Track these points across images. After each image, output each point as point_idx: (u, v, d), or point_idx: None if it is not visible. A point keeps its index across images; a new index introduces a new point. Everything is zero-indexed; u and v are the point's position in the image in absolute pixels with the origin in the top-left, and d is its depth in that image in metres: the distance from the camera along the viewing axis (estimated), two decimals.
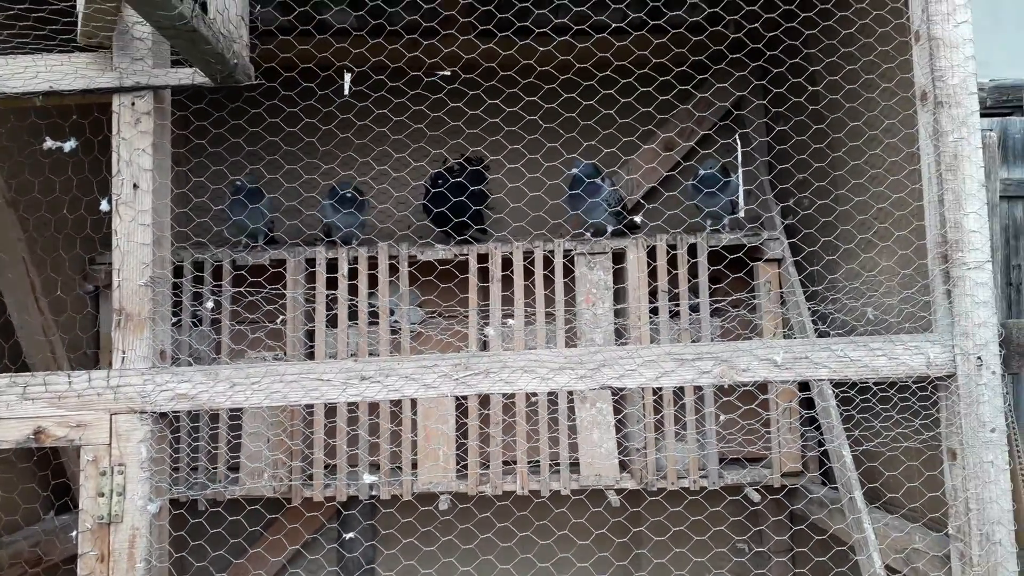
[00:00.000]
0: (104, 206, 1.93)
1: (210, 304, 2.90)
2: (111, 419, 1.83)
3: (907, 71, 2.05)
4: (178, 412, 1.90)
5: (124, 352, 1.86)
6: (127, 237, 1.88)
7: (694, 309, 2.97)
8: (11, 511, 2.52)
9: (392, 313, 3.09)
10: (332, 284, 3.07)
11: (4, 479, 2.52)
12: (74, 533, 1.80)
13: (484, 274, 3.07)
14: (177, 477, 2.88)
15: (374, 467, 2.97)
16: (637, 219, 3.08)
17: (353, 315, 3.03)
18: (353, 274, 3.03)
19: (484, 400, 3.01)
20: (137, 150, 1.90)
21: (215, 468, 2.97)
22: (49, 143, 2.19)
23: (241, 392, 1.85)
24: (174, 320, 2.24)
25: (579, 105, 3.05)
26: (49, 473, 2.74)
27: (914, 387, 2.03)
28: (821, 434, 2.66)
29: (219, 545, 2.81)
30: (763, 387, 2.97)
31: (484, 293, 3.06)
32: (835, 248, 2.71)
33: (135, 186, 1.90)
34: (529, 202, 3.06)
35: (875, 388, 2.26)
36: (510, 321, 2.93)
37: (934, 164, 1.86)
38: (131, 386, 1.84)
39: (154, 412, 1.84)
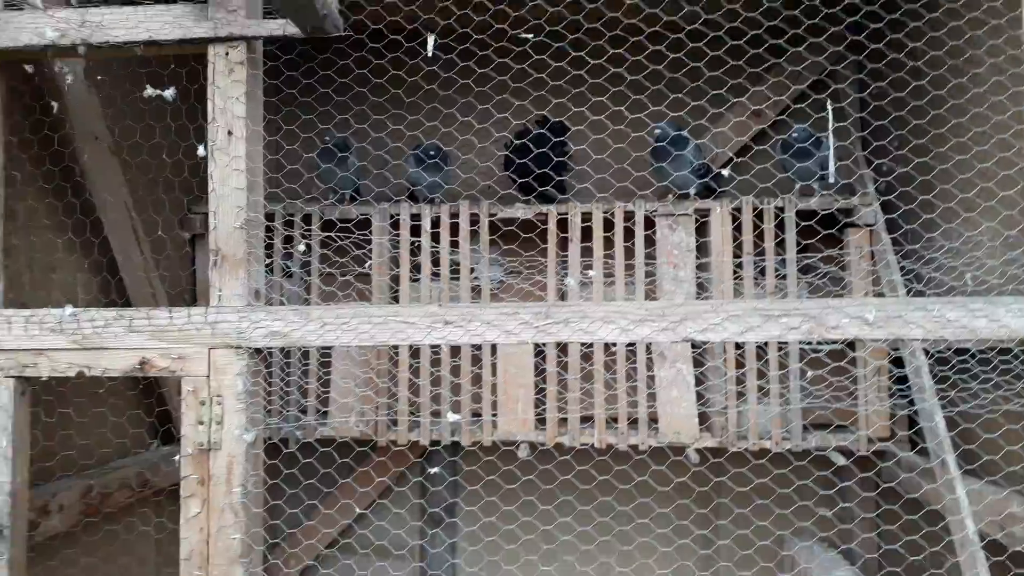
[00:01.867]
0: (201, 151, 2.00)
1: (302, 247, 3.00)
2: (209, 353, 1.92)
3: (1016, 28, 1.93)
4: (272, 348, 1.98)
5: (220, 291, 1.94)
6: (222, 182, 1.95)
7: (781, 273, 2.90)
8: (120, 436, 2.69)
9: (472, 270, 3.13)
10: (416, 247, 3.14)
11: (113, 406, 2.69)
12: (177, 458, 1.90)
13: (564, 242, 3.08)
14: (271, 409, 3.02)
15: (456, 409, 3.04)
16: (725, 172, 2.99)
17: (435, 272, 3.10)
18: (435, 234, 3.09)
19: (561, 359, 3.03)
20: (231, 98, 1.96)
21: (306, 402, 3.10)
22: (149, 91, 2.28)
23: (331, 331, 1.91)
24: (267, 264, 2.33)
25: (666, 61, 2.98)
26: (153, 402, 2.92)
27: (1017, 350, 1.94)
28: (912, 395, 2.57)
29: (311, 476, 2.93)
30: (851, 345, 2.88)
31: (563, 253, 3.07)
32: (932, 208, 2.59)
33: (229, 133, 1.96)
34: (613, 156, 3.01)
35: (974, 349, 2.17)
36: (591, 272, 2.92)
37: None
38: (227, 323, 1.92)
39: (249, 348, 1.91)
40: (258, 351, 1.94)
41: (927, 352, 2.45)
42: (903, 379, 2.66)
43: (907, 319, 1.74)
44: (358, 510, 3.42)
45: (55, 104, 2.38)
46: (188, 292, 3.21)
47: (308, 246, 3.07)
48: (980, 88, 2.31)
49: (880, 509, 3.08)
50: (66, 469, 2.47)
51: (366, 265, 3.05)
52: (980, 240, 2.31)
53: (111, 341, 1.95)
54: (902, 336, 1.75)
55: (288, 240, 3.14)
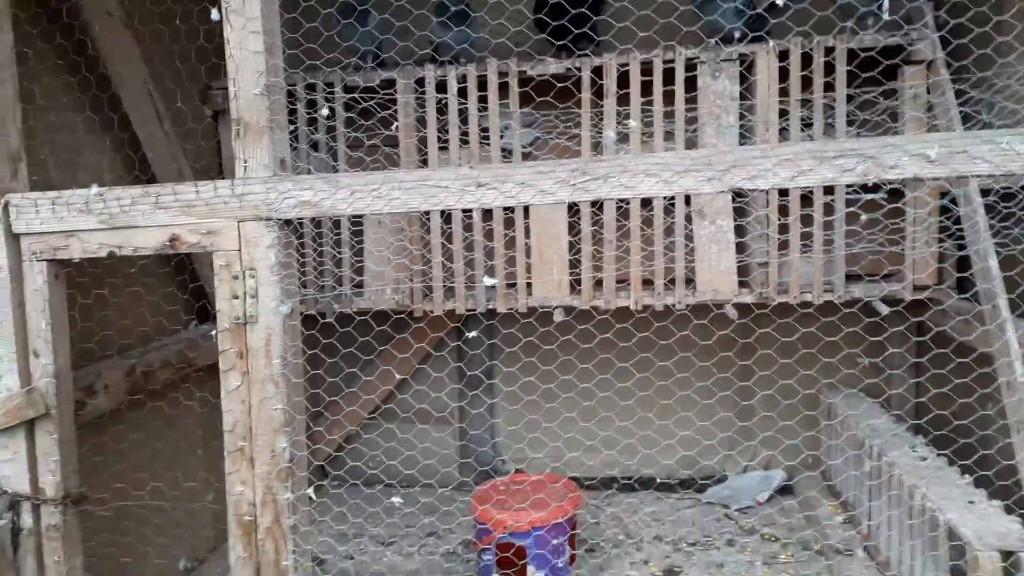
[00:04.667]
0: (215, 15, 1.88)
1: (325, 111, 2.90)
2: (239, 226, 1.88)
3: None
4: (302, 219, 1.93)
5: (246, 161, 1.87)
6: (239, 45, 1.84)
7: (831, 116, 2.74)
8: (156, 315, 2.72)
9: (503, 136, 3.01)
10: (444, 106, 3.01)
11: (148, 286, 2.70)
12: (214, 332, 1.90)
13: (599, 92, 2.93)
14: (305, 281, 3.02)
15: (491, 274, 3.02)
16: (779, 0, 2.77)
17: (464, 139, 2.99)
18: (463, 94, 2.95)
19: (598, 222, 2.96)
20: None
21: (340, 272, 3.09)
22: None
23: (362, 199, 1.85)
24: (292, 132, 2.23)
25: None
26: (186, 279, 2.92)
27: None
28: (959, 242, 2.48)
29: (351, 345, 2.96)
30: (898, 192, 2.76)
31: (600, 103, 2.93)
32: (1008, 50, 2.37)
33: None
34: (656, 8, 2.80)
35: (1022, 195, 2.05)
36: (630, 123, 2.80)
37: None
38: (255, 194, 1.87)
39: (279, 219, 1.87)
40: (288, 222, 1.90)
41: (987, 190, 2.33)
42: (957, 220, 2.56)
43: (972, 154, 1.62)
44: (398, 376, 3.48)
45: None
46: (215, 169, 3.15)
47: (332, 110, 2.96)
48: None
49: (925, 356, 3.05)
50: (106, 349, 2.51)
51: (392, 127, 2.94)
52: None
53: (139, 219, 1.92)
54: (966, 173, 1.64)
55: (312, 106, 3.03)
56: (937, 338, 2.80)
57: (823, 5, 2.81)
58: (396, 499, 2.88)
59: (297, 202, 1.85)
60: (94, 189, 1.91)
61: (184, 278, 2.90)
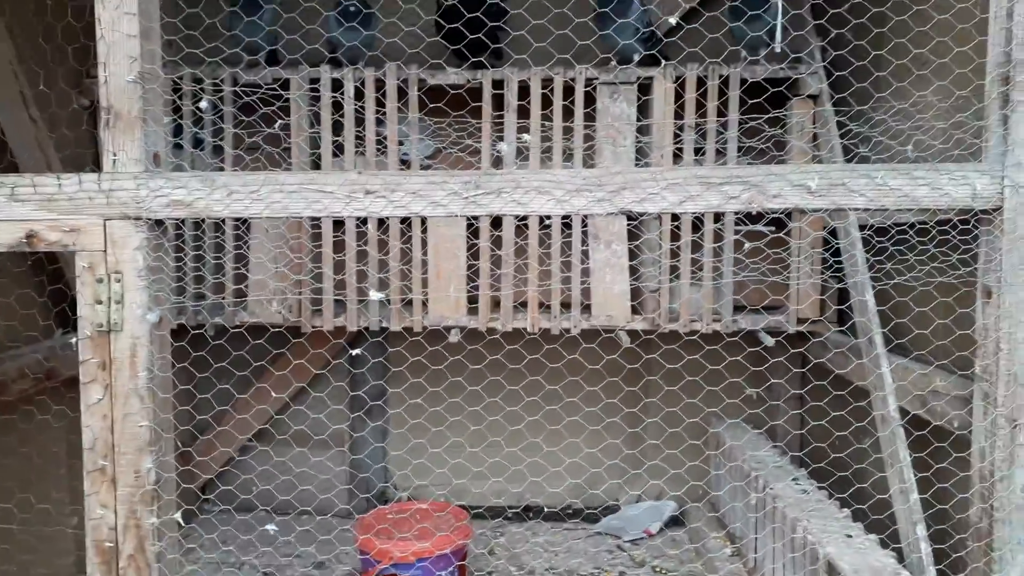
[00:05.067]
0: None
1: (204, 103, 2.76)
2: (105, 224, 1.74)
3: None
4: (175, 219, 1.81)
5: (115, 154, 1.74)
6: (111, 27, 1.71)
7: (722, 142, 2.81)
8: (11, 320, 2.50)
9: (401, 144, 2.95)
10: (337, 107, 2.92)
11: (3, 287, 2.48)
12: (74, 340, 1.75)
13: (499, 102, 2.90)
14: (183, 288, 2.86)
15: (384, 287, 2.93)
16: (673, 20, 2.82)
17: (360, 145, 2.91)
18: (359, 97, 2.88)
19: (496, 240, 2.93)
20: None
21: (220, 278, 2.93)
22: None
23: (239, 201, 1.75)
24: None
25: None
26: (45, 280, 2.69)
27: (955, 220, 1.91)
28: (843, 274, 2.56)
29: (225, 379, 2.80)
30: (788, 216, 2.85)
31: (499, 124, 2.91)
32: (884, 65, 2.48)
33: None
34: (552, 20, 2.81)
35: (913, 219, 2.14)
36: (525, 136, 2.79)
37: None
38: (124, 191, 1.73)
39: (149, 219, 1.74)
40: (159, 223, 1.78)
41: (863, 225, 2.42)
42: (836, 252, 2.65)
43: (850, 187, 1.68)
44: (275, 395, 3.33)
45: None
46: (90, 162, 2.94)
47: (214, 105, 2.82)
48: None
49: (807, 386, 3.14)
50: None
51: (276, 125, 2.80)
52: (929, 101, 2.24)
53: None
54: (844, 205, 1.69)
55: (196, 100, 2.89)
56: (817, 370, 2.88)
57: (715, 28, 2.88)
58: (271, 526, 2.72)
59: (169, 201, 1.74)
60: None
61: (42, 279, 2.68)
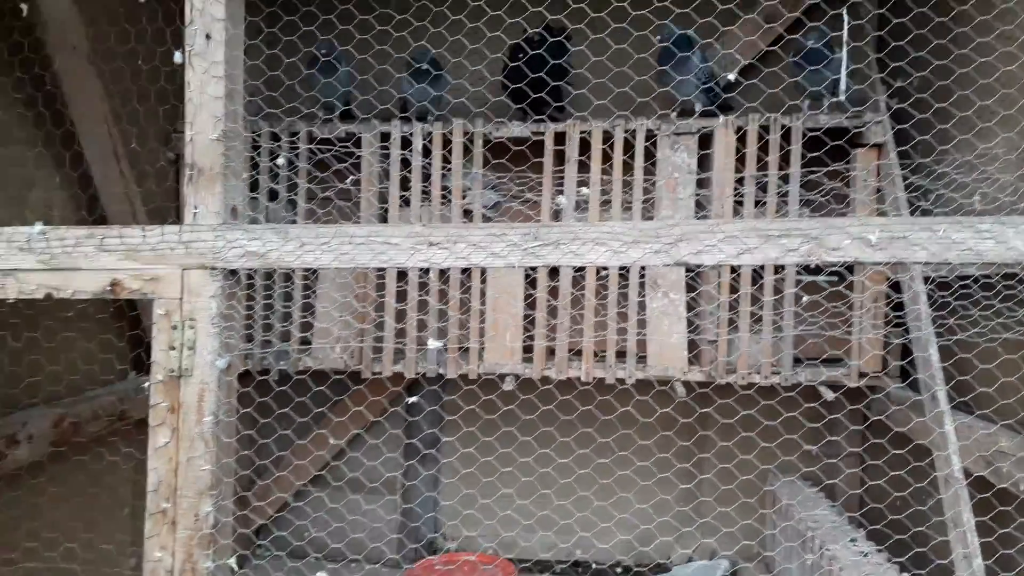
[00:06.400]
0: (177, 57, 1.88)
1: (281, 160, 2.89)
2: (182, 274, 1.84)
3: None
4: (248, 269, 1.89)
5: (196, 208, 1.85)
6: (200, 89, 1.84)
7: (783, 190, 2.81)
8: (90, 363, 2.61)
9: (465, 196, 3.04)
10: (405, 163, 3.03)
11: (86, 331, 2.60)
12: (147, 384, 1.83)
13: (560, 157, 2.98)
14: (251, 335, 2.95)
15: (438, 336, 2.98)
16: (731, 76, 2.83)
17: (426, 193, 3.00)
18: (427, 152, 2.98)
19: (553, 291, 2.97)
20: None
21: (286, 326, 3.02)
22: None
23: (310, 252, 1.83)
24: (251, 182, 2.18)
25: None
26: (125, 326, 2.82)
27: (1022, 274, 1.87)
28: (906, 326, 2.51)
29: (286, 424, 2.86)
30: (850, 269, 2.81)
31: (560, 177, 2.98)
32: (947, 117, 2.45)
33: (207, 36, 1.84)
34: (613, 77, 2.87)
35: (978, 274, 2.11)
36: (584, 189, 2.84)
37: None
38: (202, 242, 1.83)
39: (224, 268, 1.83)
40: (233, 272, 1.86)
41: (926, 278, 2.39)
42: (899, 306, 2.60)
43: (912, 240, 1.66)
44: (333, 441, 3.38)
45: (24, 6, 2.25)
46: (172, 214, 3.09)
47: (290, 161, 2.95)
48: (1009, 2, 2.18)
49: (867, 444, 3.05)
50: (33, 396, 2.40)
51: (347, 181, 2.92)
52: (995, 153, 2.21)
53: (81, 261, 1.86)
54: (905, 259, 1.68)
55: (273, 156, 3.04)
56: (878, 427, 2.80)
57: (773, 83, 2.90)
58: (321, 574, 2.75)
59: (245, 252, 1.82)
60: (37, 227, 1.86)
61: (122, 325, 2.81)
